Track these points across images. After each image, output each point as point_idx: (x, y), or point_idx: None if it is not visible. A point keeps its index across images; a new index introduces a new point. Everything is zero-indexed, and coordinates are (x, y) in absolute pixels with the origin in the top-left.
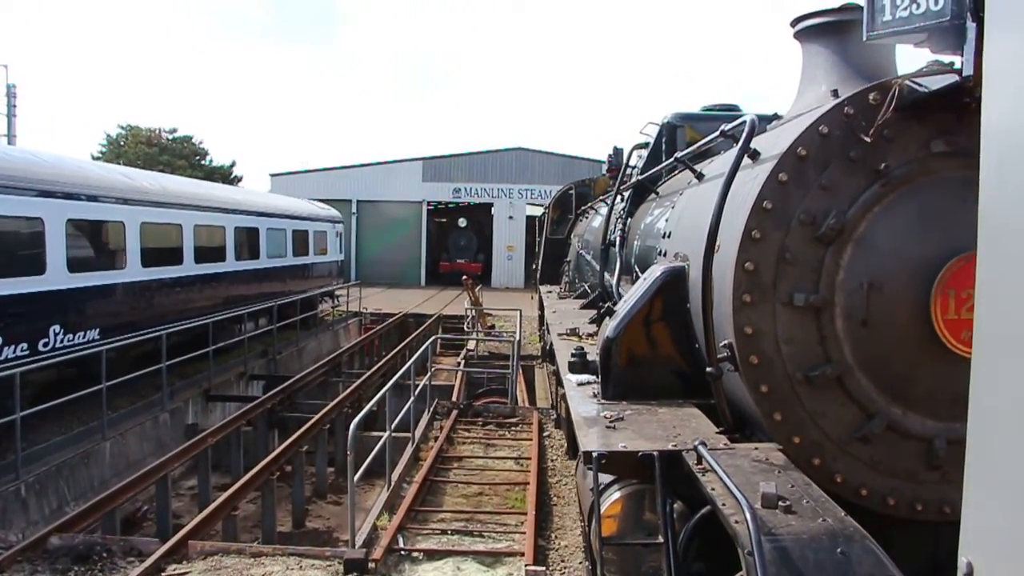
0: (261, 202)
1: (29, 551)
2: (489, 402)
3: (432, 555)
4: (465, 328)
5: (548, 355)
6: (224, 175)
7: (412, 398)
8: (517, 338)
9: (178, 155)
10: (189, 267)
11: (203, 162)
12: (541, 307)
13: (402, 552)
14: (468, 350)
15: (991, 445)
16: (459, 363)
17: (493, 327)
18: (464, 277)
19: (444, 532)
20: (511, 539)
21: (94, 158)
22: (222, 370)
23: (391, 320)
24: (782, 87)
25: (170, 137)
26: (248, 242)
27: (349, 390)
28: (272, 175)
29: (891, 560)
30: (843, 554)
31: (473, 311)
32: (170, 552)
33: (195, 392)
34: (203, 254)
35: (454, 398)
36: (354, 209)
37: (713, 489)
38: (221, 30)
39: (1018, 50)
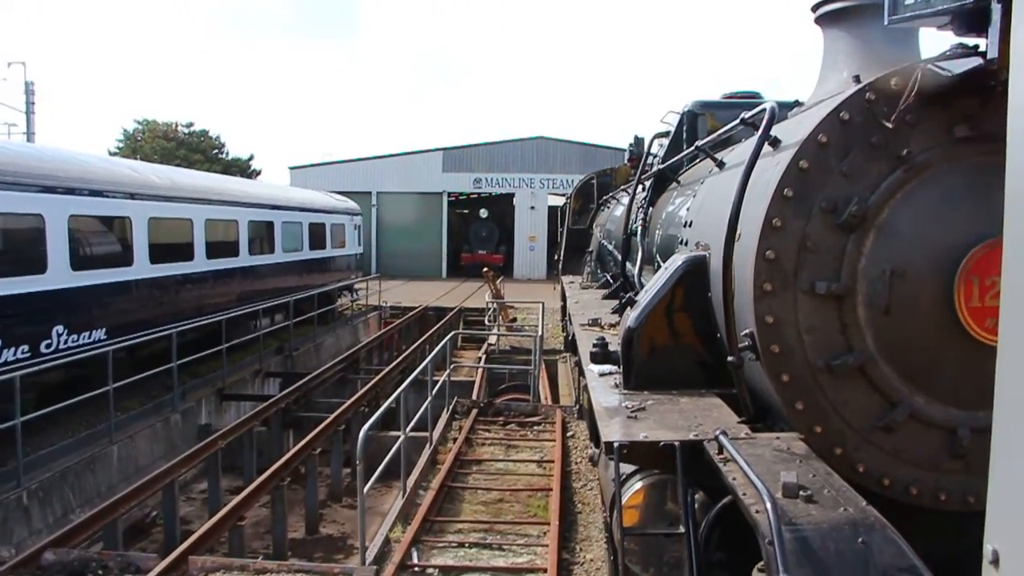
0: (275, 195)
1: (22, 567)
2: (511, 399)
3: (448, 572)
4: (486, 322)
5: (570, 345)
6: (242, 168)
7: (430, 397)
8: (539, 333)
9: (195, 149)
10: (200, 263)
11: (221, 156)
12: (563, 297)
13: (415, 568)
14: (489, 344)
15: (1017, 432)
16: (480, 358)
17: (515, 320)
18: (485, 269)
19: (461, 545)
20: (533, 552)
21: (111, 154)
22: (237, 368)
23: (411, 314)
24: (805, 74)
25: (186, 131)
26: (262, 236)
27: (366, 388)
28: (291, 168)
29: (912, 550)
30: (864, 544)
31: (494, 304)
32: (170, 568)
33: (208, 391)
34: (215, 249)
35: (474, 395)
36: (374, 201)
37: (734, 479)
38: (242, 26)
39: None
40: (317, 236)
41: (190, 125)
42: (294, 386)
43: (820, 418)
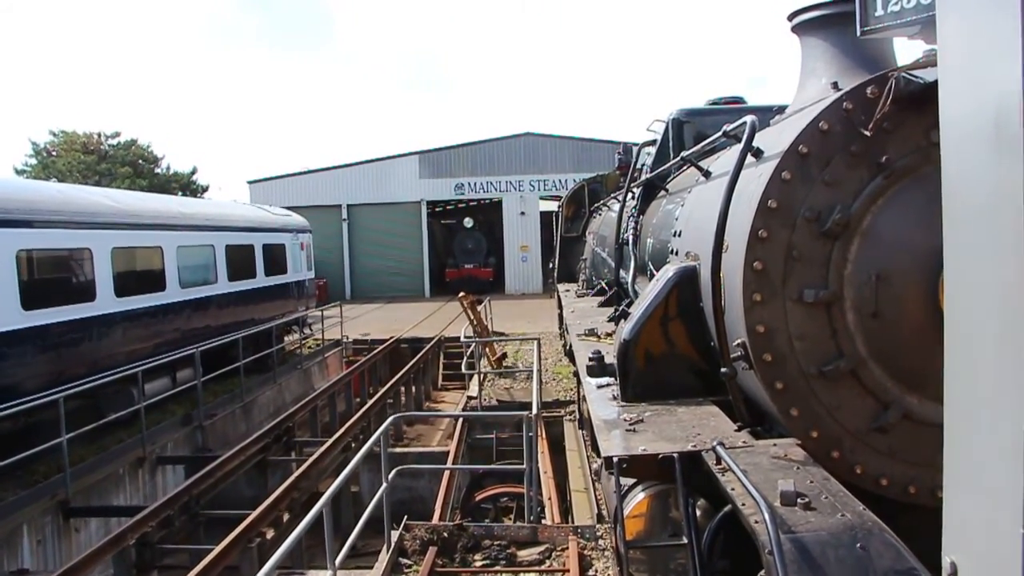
0: (167, 210)
1: None
2: (496, 495)
3: None
4: (463, 368)
5: (568, 355)
6: (183, 183)
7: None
8: (534, 409)
9: (120, 162)
10: (11, 317)
11: (157, 170)
12: (560, 306)
13: None
14: (469, 398)
15: (967, 446)
16: (455, 429)
17: (505, 357)
18: (460, 294)
19: None
20: None
21: (18, 172)
22: (102, 461)
23: (378, 350)
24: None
25: (112, 143)
26: (144, 267)
27: (289, 481)
28: (250, 182)
29: (911, 552)
30: (863, 549)
31: (475, 342)
32: None
33: (40, 509)
34: (47, 293)
35: (436, 513)
36: (345, 215)
37: (733, 489)
38: (211, 38)
39: (970, 33)
40: (241, 261)
41: (116, 135)
42: (164, 499)
43: (816, 423)
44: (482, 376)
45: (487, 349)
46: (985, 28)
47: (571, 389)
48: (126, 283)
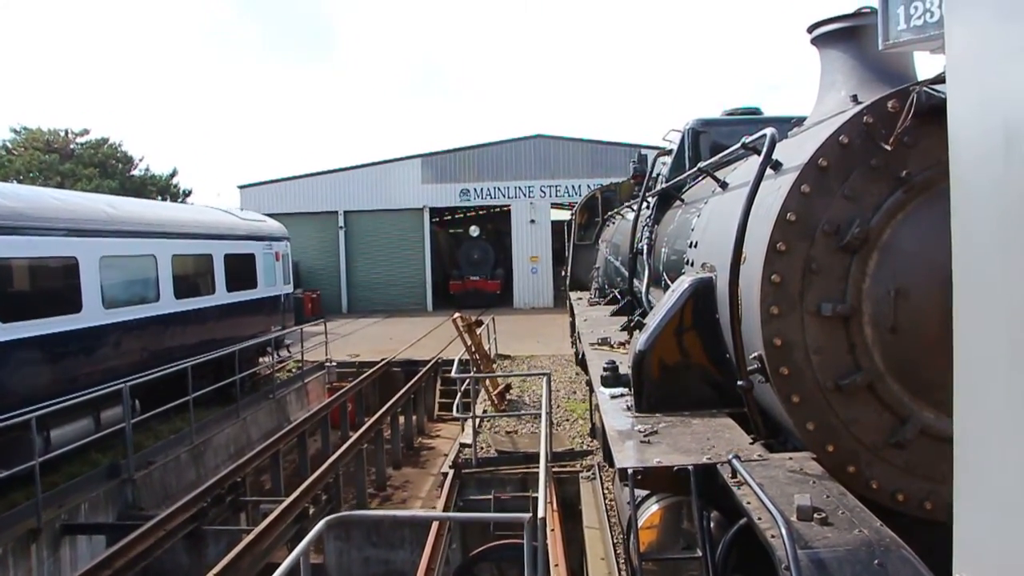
0: (87, 212)
1: None
2: None
3: None
4: (455, 410)
5: (580, 364)
6: (161, 187)
7: None
8: (541, 507)
9: (87, 163)
10: None
11: (134, 172)
12: (572, 314)
13: None
14: (463, 444)
15: (978, 461)
16: (444, 485)
17: (509, 388)
18: (455, 316)
19: None
20: None
21: None
22: None
23: (366, 375)
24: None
25: (80, 142)
26: (48, 284)
27: (226, 561)
28: (241, 187)
29: (928, 569)
30: (880, 565)
31: (472, 373)
32: None
33: None
34: None
35: None
36: (342, 222)
37: (748, 503)
38: (214, 49)
39: (978, 41)
40: (194, 275)
41: (84, 132)
42: None
43: (832, 437)
44: (477, 421)
45: (488, 385)
46: (994, 35)
47: (587, 435)
48: (19, 303)
